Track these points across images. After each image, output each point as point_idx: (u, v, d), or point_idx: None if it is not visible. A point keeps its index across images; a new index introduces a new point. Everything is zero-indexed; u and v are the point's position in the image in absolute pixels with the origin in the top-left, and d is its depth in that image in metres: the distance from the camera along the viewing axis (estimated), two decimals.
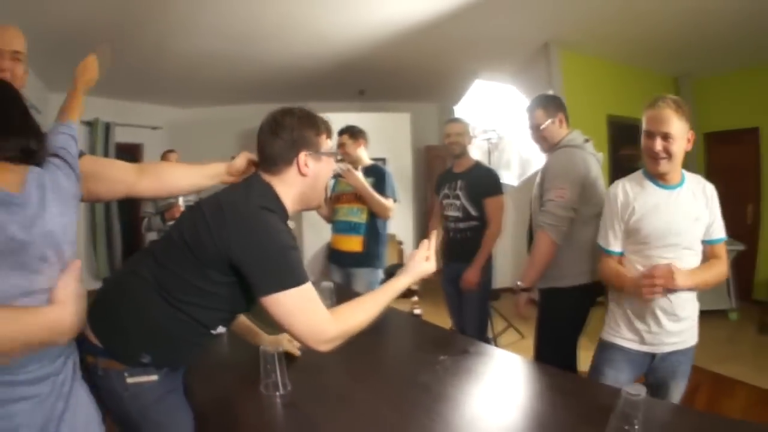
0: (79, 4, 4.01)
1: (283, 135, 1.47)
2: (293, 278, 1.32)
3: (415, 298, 4.66)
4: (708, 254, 1.97)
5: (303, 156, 1.47)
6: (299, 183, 1.50)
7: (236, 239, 1.31)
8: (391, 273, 5.20)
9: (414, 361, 2.10)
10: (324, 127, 1.55)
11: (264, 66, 6.20)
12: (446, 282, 3.56)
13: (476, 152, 4.38)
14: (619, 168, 7.61)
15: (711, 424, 1.60)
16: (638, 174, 2.05)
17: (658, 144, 1.85)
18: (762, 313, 4.89)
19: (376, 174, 3.42)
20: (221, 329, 1.50)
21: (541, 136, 2.66)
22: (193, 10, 4.40)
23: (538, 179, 2.66)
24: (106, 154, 7.19)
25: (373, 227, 3.46)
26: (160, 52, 5.41)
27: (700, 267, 1.94)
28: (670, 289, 1.82)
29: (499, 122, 4.36)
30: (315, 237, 5.55)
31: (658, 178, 1.96)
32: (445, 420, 1.53)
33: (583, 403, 1.66)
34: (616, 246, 2.05)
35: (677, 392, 2.03)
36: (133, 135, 7.62)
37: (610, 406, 1.34)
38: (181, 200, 4.21)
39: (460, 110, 4.59)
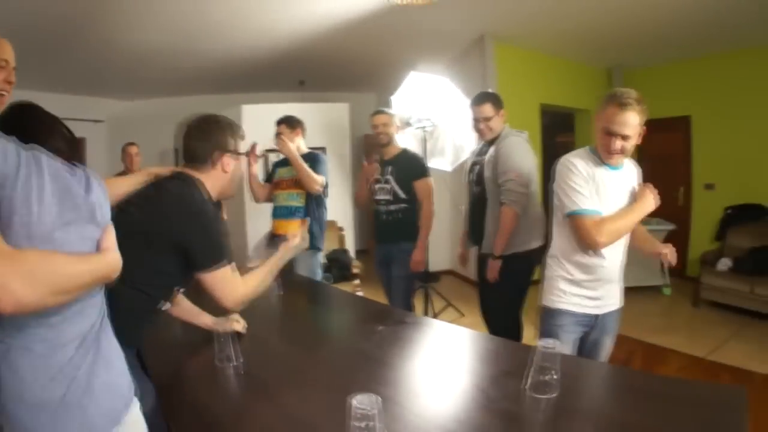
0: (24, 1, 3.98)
1: (211, 139, 1.79)
2: (225, 257, 1.67)
3: (357, 281, 4.70)
4: None
5: (226, 157, 1.80)
6: (221, 178, 1.82)
7: (188, 227, 1.61)
8: (333, 258, 5.20)
9: (355, 332, 2.32)
10: (240, 132, 1.88)
11: (206, 59, 6.16)
12: (378, 263, 3.70)
13: (412, 140, 4.47)
14: (554, 154, 7.81)
15: (624, 375, 1.69)
16: (585, 152, 2.12)
17: (618, 144, 1.95)
18: (695, 288, 5.07)
19: (311, 160, 3.45)
20: (167, 305, 1.77)
21: (486, 127, 3.05)
22: (138, 6, 4.37)
23: (488, 162, 3.01)
24: None
25: (312, 210, 3.51)
26: (106, 46, 5.34)
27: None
28: None
29: (433, 112, 4.42)
30: (258, 225, 5.48)
31: (606, 160, 2.06)
32: (385, 380, 1.66)
33: (507, 360, 1.79)
34: (593, 205, 2.02)
35: (610, 345, 2.26)
36: (75, 129, 7.27)
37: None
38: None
39: (395, 100, 4.65)
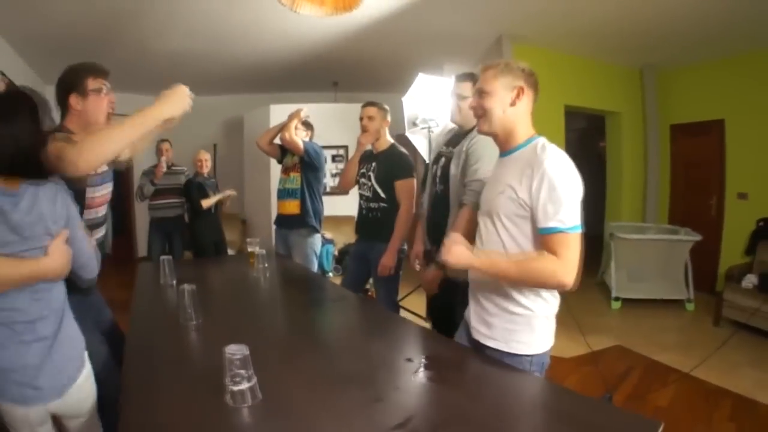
0: (67, 8, 4.41)
1: (60, 86, 1.97)
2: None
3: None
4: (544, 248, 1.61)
5: (73, 98, 1.95)
6: (78, 118, 1.97)
7: None
8: (345, 251, 5.37)
9: (309, 309, 2.54)
10: (88, 71, 1.97)
11: (238, 61, 6.50)
12: (351, 255, 3.71)
13: (421, 140, 4.44)
14: (596, 160, 7.54)
15: None
16: None
17: (474, 101, 1.77)
18: (717, 305, 4.73)
19: (305, 142, 3.98)
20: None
21: (457, 107, 2.62)
22: (166, 14, 4.72)
23: (456, 156, 2.56)
24: None
25: (307, 192, 3.96)
26: (141, 50, 5.79)
27: (516, 257, 1.64)
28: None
29: (438, 113, 4.37)
30: None
31: (499, 146, 1.82)
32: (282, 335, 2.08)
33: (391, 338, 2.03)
34: None
35: None
36: None
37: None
38: (162, 160, 5.12)
39: (405, 101, 4.68)
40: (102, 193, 2.18)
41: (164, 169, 5.13)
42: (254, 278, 3.03)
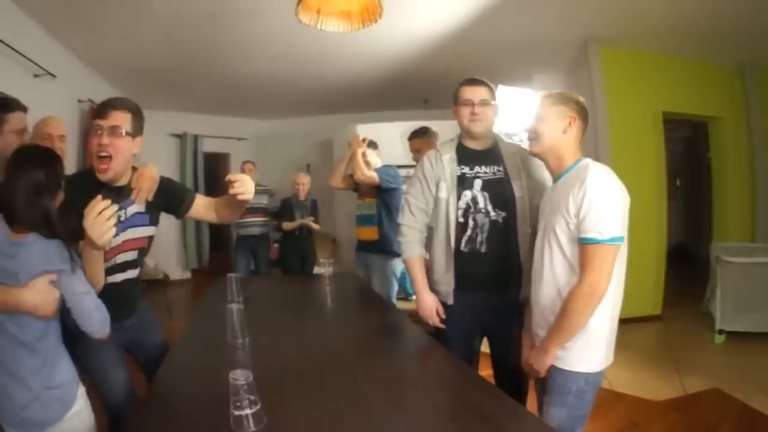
0: (150, 40, 4.82)
1: None
2: None
3: None
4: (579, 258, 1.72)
5: None
6: None
7: None
8: None
9: (347, 335, 2.47)
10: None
11: (324, 82, 6.70)
12: None
13: None
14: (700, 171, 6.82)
15: None
16: None
17: (531, 124, 1.94)
18: None
19: (378, 170, 3.90)
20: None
21: (483, 113, 2.32)
22: (245, 39, 4.97)
23: (517, 178, 2.28)
24: (194, 164, 8.26)
25: (385, 216, 3.92)
26: (229, 75, 6.13)
27: (555, 323, 1.78)
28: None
29: (520, 125, 4.26)
30: None
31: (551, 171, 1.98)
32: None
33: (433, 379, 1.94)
34: None
35: (546, 409, 1.84)
36: (220, 145, 8.63)
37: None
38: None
39: None
40: (123, 239, 2.05)
41: None
42: (320, 300, 3.04)
